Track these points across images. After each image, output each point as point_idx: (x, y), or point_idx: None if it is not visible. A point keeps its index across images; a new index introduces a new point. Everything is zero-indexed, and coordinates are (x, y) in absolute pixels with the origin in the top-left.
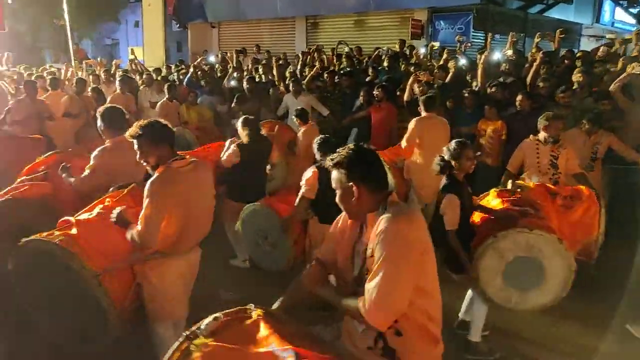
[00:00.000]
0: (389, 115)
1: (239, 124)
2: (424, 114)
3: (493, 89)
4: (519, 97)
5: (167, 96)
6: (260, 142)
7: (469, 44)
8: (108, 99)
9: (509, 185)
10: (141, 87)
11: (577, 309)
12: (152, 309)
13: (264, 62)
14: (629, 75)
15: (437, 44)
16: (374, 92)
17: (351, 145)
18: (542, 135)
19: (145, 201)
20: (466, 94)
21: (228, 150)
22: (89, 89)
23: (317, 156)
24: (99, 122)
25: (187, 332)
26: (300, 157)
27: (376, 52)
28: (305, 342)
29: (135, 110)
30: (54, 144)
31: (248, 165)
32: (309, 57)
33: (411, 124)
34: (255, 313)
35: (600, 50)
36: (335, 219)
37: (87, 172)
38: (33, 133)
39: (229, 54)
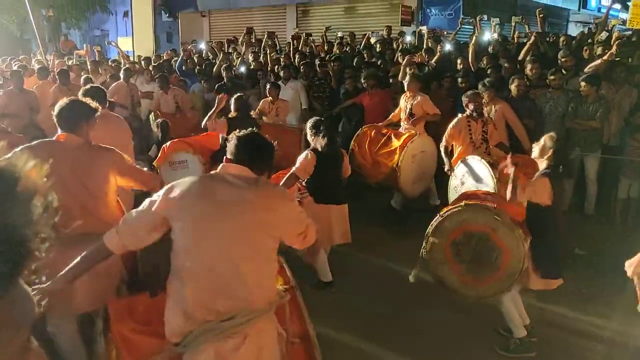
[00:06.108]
0: (382, 101)
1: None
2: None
3: (489, 71)
4: (515, 82)
5: (158, 87)
6: (248, 118)
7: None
8: (109, 90)
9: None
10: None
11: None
12: None
13: (255, 49)
14: (603, 63)
15: (424, 28)
16: (362, 80)
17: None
18: (468, 111)
19: None
20: (460, 78)
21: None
22: (82, 78)
23: (309, 138)
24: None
25: None
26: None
27: (366, 36)
28: None
29: (138, 99)
30: (45, 136)
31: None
32: (298, 41)
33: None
34: None
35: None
36: None
37: None
38: (24, 125)
39: (214, 43)
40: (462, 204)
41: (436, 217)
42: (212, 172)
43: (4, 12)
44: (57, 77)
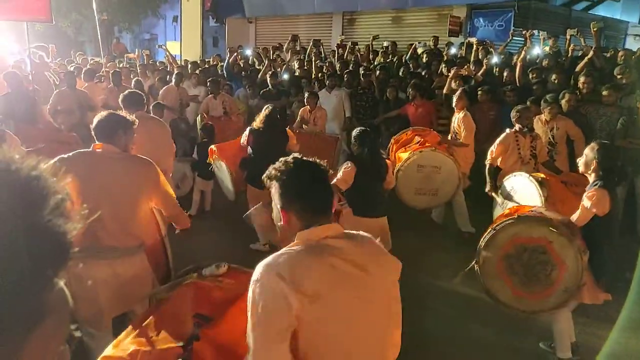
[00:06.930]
0: (428, 112)
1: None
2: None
3: (535, 87)
4: (566, 97)
5: (210, 92)
6: (274, 131)
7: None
8: (160, 93)
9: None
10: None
11: None
12: None
13: (300, 57)
14: None
15: (474, 40)
16: (408, 90)
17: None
18: (517, 126)
19: None
20: (508, 91)
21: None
22: (133, 81)
23: (353, 148)
24: (121, 105)
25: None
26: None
27: (413, 46)
28: None
29: (186, 102)
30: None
31: (264, 152)
32: (343, 50)
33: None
34: None
35: None
36: None
37: None
38: (76, 123)
39: (260, 49)
40: (515, 216)
41: (488, 230)
42: (311, 242)
43: (62, 17)
44: (110, 78)
